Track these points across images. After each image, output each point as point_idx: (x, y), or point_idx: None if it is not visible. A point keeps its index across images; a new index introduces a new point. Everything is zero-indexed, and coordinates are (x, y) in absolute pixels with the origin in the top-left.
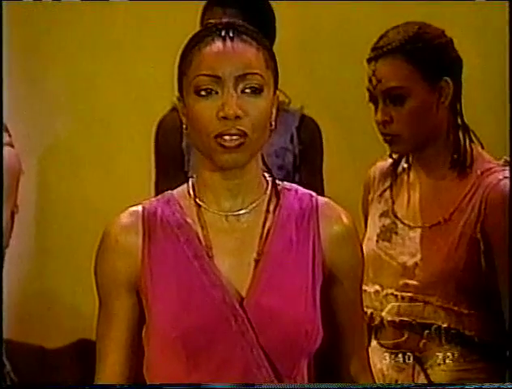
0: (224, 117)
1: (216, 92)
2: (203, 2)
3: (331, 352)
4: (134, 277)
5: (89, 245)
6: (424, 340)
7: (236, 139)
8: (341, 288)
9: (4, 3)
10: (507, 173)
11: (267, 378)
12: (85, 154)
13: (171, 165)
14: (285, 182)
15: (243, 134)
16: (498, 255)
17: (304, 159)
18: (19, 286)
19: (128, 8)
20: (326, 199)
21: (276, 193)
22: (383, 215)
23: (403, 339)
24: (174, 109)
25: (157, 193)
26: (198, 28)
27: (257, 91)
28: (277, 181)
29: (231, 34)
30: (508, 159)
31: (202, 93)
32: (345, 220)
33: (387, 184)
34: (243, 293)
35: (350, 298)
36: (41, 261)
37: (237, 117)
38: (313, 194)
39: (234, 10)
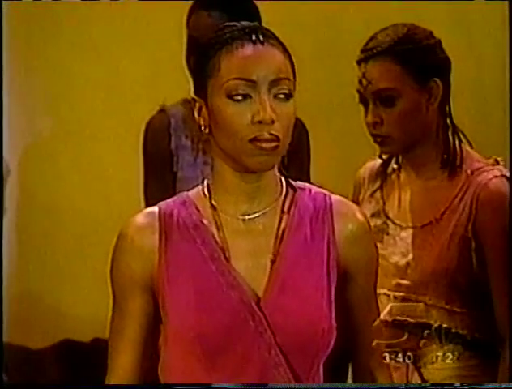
0: (260, 122)
1: (250, 96)
2: (188, 4)
3: (348, 349)
4: (150, 277)
5: (72, 245)
6: (417, 339)
7: (271, 143)
8: (356, 286)
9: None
10: (497, 173)
11: (285, 377)
12: (67, 155)
13: (160, 166)
14: (299, 182)
15: (276, 139)
16: (490, 254)
17: (291, 159)
18: (3, 287)
19: (112, 9)
20: (339, 197)
21: (291, 192)
22: (374, 215)
23: (396, 338)
24: (162, 110)
25: (146, 194)
26: (183, 30)
27: (288, 96)
28: (291, 181)
29: (261, 38)
30: (498, 158)
31: (238, 98)
32: (359, 217)
33: (377, 184)
34: (260, 294)
35: (365, 295)
36: (24, 262)
37: (272, 122)
38: (327, 192)
39: (219, 13)
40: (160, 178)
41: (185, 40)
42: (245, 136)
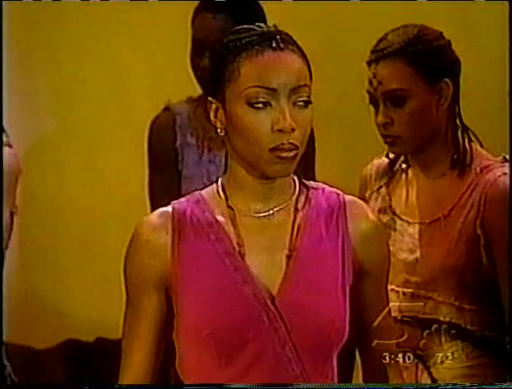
0: (280, 130)
1: (270, 104)
2: (192, 5)
3: (360, 345)
4: (164, 275)
5: (75, 245)
6: (425, 338)
7: (290, 152)
8: (369, 284)
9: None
10: (506, 170)
11: (299, 373)
12: (69, 154)
13: (165, 165)
14: (311, 182)
15: (295, 147)
16: (498, 251)
17: None
18: (5, 287)
19: (116, 9)
20: (352, 197)
21: (304, 192)
22: (381, 211)
23: (405, 336)
24: (167, 108)
25: (151, 192)
26: (188, 29)
27: (307, 103)
28: (304, 181)
29: (281, 45)
30: (507, 156)
31: (258, 105)
32: (372, 217)
33: (384, 181)
34: (275, 290)
35: (377, 293)
36: (27, 262)
37: (292, 130)
38: (340, 192)
39: (224, 15)
40: (165, 177)
41: (189, 39)
42: (266, 145)
